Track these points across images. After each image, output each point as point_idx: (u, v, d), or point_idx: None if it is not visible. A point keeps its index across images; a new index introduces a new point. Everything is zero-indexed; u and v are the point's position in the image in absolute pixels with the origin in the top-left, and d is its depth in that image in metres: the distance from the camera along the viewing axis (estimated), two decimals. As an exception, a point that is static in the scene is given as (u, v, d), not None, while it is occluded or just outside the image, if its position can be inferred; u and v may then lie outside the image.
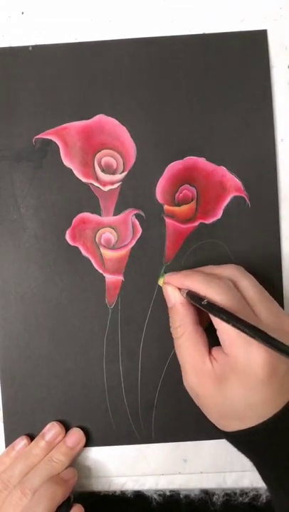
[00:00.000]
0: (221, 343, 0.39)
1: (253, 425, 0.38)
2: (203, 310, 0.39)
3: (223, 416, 0.40)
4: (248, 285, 0.41)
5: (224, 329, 0.38)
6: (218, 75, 0.47)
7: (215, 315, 0.38)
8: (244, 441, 0.40)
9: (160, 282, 0.45)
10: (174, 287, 0.42)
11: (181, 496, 0.49)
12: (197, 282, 0.40)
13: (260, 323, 0.39)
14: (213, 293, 0.39)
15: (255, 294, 0.41)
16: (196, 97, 0.47)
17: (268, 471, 0.41)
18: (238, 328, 0.36)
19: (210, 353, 0.40)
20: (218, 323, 0.39)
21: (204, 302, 0.38)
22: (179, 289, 0.42)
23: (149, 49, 0.47)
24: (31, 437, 0.47)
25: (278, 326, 0.40)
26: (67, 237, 0.47)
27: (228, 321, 0.36)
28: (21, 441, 0.47)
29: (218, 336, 0.39)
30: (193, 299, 0.40)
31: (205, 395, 0.40)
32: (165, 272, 0.47)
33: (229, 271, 0.42)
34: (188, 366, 0.41)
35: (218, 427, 0.41)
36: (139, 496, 0.49)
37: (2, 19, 0.48)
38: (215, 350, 0.40)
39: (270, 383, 0.37)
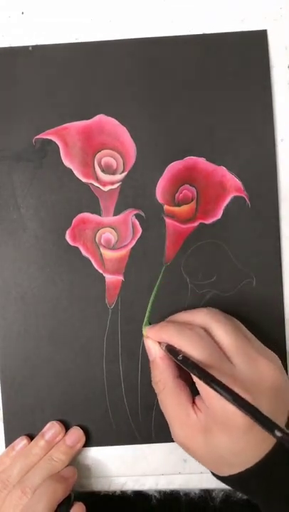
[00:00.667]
0: (200, 394, 0.40)
1: (241, 471, 0.39)
2: None
3: (213, 464, 0.41)
4: (222, 332, 0.41)
5: (200, 382, 0.38)
6: (218, 75, 0.47)
7: (190, 371, 0.38)
8: (237, 484, 0.41)
9: (144, 333, 0.45)
10: (154, 341, 0.43)
11: (181, 494, 0.49)
12: (170, 335, 0.41)
13: (235, 372, 0.39)
14: (185, 346, 0.39)
15: (230, 341, 0.40)
16: (196, 97, 0.47)
17: (266, 510, 0.41)
18: (210, 387, 0.36)
19: (194, 402, 0.40)
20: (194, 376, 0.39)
21: (179, 357, 0.39)
22: (160, 342, 0.42)
23: (149, 49, 0.47)
24: (31, 438, 0.47)
25: (255, 371, 0.39)
26: (67, 237, 0.47)
27: (200, 378, 0.37)
28: (21, 442, 0.47)
29: (197, 387, 0.40)
30: (171, 352, 0.40)
31: (193, 447, 0.40)
32: (150, 323, 0.47)
33: (200, 318, 0.42)
34: (173, 420, 0.41)
35: (213, 471, 0.42)
36: (139, 495, 0.49)
37: (2, 19, 0.48)
38: (198, 400, 0.40)
39: (251, 431, 0.38)
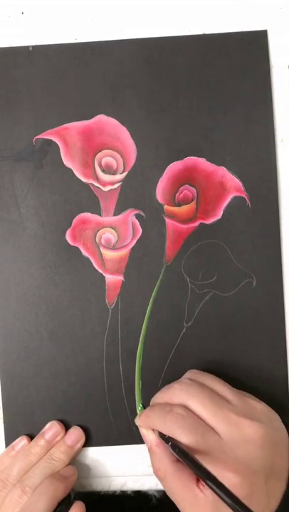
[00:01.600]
0: None
1: None
2: None
3: None
4: (198, 406, 0.40)
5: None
6: (218, 75, 0.47)
7: (181, 459, 0.38)
8: None
9: (136, 422, 0.45)
10: (147, 430, 0.43)
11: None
12: (156, 424, 0.41)
13: (222, 443, 0.39)
14: (173, 431, 0.39)
15: (207, 412, 0.40)
16: (196, 98, 0.47)
17: None
18: (202, 479, 0.36)
19: (198, 480, 0.40)
20: None
21: (168, 445, 0.39)
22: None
23: (149, 49, 0.47)
24: (31, 438, 0.47)
25: (240, 436, 0.39)
26: (68, 237, 0.47)
27: (190, 467, 0.37)
28: (21, 441, 0.47)
29: None
30: (164, 438, 0.40)
31: None
32: (143, 404, 0.47)
33: (177, 396, 0.42)
34: (182, 504, 0.40)
35: None
36: (139, 495, 0.49)
37: (2, 19, 0.48)
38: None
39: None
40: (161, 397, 0.43)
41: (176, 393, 0.42)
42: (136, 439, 0.47)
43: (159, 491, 0.48)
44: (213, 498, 0.38)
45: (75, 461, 0.48)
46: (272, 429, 0.40)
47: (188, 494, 0.39)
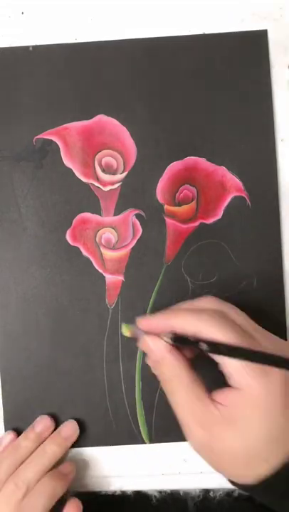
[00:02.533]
0: (229, 378, 0.35)
1: (279, 463, 0.34)
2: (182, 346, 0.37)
3: (245, 463, 0.35)
4: (236, 312, 0.38)
5: (231, 364, 0.35)
6: (218, 75, 0.47)
7: (220, 354, 0.35)
8: (272, 489, 0.35)
9: (125, 332, 0.40)
10: (153, 337, 0.38)
11: (181, 494, 0.48)
12: (185, 320, 0.36)
13: (262, 348, 0.36)
14: (208, 329, 0.35)
15: (249, 323, 0.38)
16: (196, 97, 0.47)
17: None
18: (254, 361, 0.33)
19: (211, 398, 0.36)
20: (221, 361, 0.35)
21: (203, 345, 0.35)
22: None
23: (149, 49, 0.47)
24: (18, 433, 0.47)
25: (276, 348, 0.36)
26: (68, 237, 0.47)
27: (240, 358, 0.34)
28: (7, 436, 0.46)
29: (223, 370, 0.36)
30: (184, 342, 0.36)
31: (220, 446, 0.35)
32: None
33: (210, 303, 0.38)
34: (192, 422, 0.36)
35: (241, 481, 0.36)
36: (139, 495, 0.49)
37: (2, 19, 0.48)
38: (217, 394, 0.36)
39: None
40: (189, 304, 0.39)
41: (209, 301, 0.39)
42: (136, 439, 0.47)
43: (159, 491, 0.48)
44: (233, 414, 0.35)
45: (75, 461, 0.48)
46: None
47: (200, 409, 0.35)
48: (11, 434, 0.46)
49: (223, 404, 0.35)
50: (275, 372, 0.34)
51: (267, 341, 0.37)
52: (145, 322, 0.38)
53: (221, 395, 0.36)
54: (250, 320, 0.38)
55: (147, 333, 0.38)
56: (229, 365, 0.35)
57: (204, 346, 0.35)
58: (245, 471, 0.35)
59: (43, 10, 0.48)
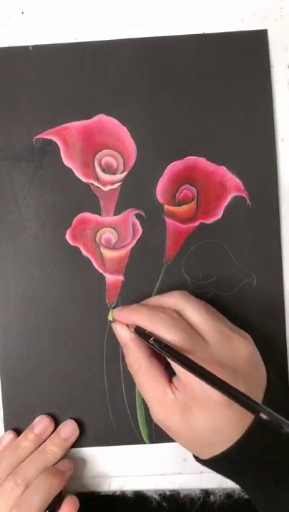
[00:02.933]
0: (176, 374, 0.40)
1: (223, 450, 0.39)
2: None
3: (195, 445, 0.41)
4: (193, 311, 0.41)
5: (174, 363, 0.38)
6: (218, 74, 0.47)
7: (163, 353, 0.38)
8: (221, 466, 0.41)
9: (110, 317, 0.45)
10: (122, 325, 0.43)
11: (181, 494, 0.48)
12: (142, 318, 0.41)
13: (209, 350, 0.39)
14: (158, 329, 0.39)
15: (201, 318, 0.40)
16: (197, 97, 0.47)
17: (253, 493, 0.41)
18: (185, 368, 0.36)
19: (171, 382, 0.40)
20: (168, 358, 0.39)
21: (151, 340, 0.39)
22: (127, 325, 0.42)
23: (149, 49, 0.47)
24: (19, 433, 0.47)
25: (229, 348, 0.40)
26: (68, 237, 0.47)
27: (174, 360, 0.37)
28: (7, 436, 0.47)
29: (172, 367, 0.40)
30: (141, 335, 0.40)
31: (173, 427, 0.40)
32: (113, 308, 0.46)
33: (173, 300, 0.42)
34: (152, 400, 0.41)
35: (196, 455, 0.42)
36: (139, 496, 0.49)
37: (2, 19, 0.48)
38: (175, 380, 0.40)
39: (230, 407, 0.37)
40: (154, 300, 0.43)
41: (172, 296, 0.42)
42: (136, 439, 0.47)
43: (159, 492, 0.48)
44: (184, 400, 0.39)
45: (75, 460, 0.48)
46: (257, 354, 0.41)
47: (159, 391, 0.40)
48: (11, 434, 0.47)
49: (178, 390, 0.39)
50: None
51: (216, 336, 0.40)
52: (117, 312, 0.43)
53: (177, 381, 0.40)
54: (212, 318, 0.41)
55: (118, 321, 0.43)
56: (173, 364, 0.39)
57: (152, 343, 0.38)
58: (195, 451, 0.41)
59: (43, 10, 0.48)
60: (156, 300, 0.43)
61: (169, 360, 0.39)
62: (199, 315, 0.41)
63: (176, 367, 0.39)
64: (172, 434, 0.41)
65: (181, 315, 0.41)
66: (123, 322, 0.43)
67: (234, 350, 0.40)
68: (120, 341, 0.43)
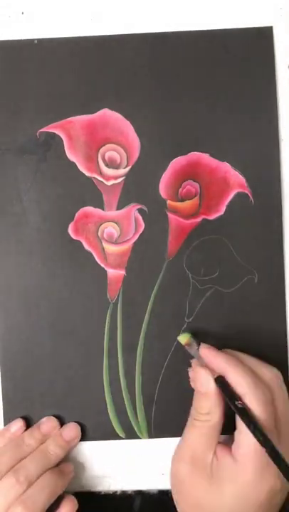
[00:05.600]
0: (235, 446, 0.39)
1: None
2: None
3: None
4: (282, 400, 0.41)
5: (246, 437, 0.38)
6: (222, 70, 0.47)
7: (245, 422, 0.38)
8: None
9: (182, 339, 0.45)
10: (207, 372, 0.41)
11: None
12: (241, 378, 0.40)
13: (280, 438, 0.39)
14: (254, 400, 0.39)
15: (285, 411, 0.40)
16: (201, 93, 0.47)
17: None
18: (265, 450, 0.36)
19: (215, 451, 0.40)
20: (241, 426, 0.38)
21: (239, 404, 0.38)
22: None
23: (154, 44, 0.47)
24: (28, 423, 0.47)
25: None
26: (70, 231, 0.47)
27: (257, 437, 0.37)
28: (17, 424, 0.46)
29: (236, 436, 0.39)
30: (225, 389, 0.40)
31: (191, 487, 0.40)
32: (191, 334, 0.46)
33: (270, 376, 0.41)
34: (188, 452, 0.40)
35: None
36: (140, 496, 0.49)
37: (2, 19, 0.48)
38: (220, 450, 0.40)
39: (264, 508, 0.38)
40: (254, 363, 0.42)
41: (270, 373, 0.41)
42: (135, 434, 0.47)
43: (160, 491, 0.48)
44: (219, 473, 0.39)
45: (74, 459, 0.47)
46: None
47: (203, 451, 0.40)
48: (20, 422, 0.46)
49: (218, 460, 0.39)
50: (272, 475, 0.37)
51: (285, 448, 0.39)
52: (206, 351, 0.43)
53: (222, 451, 0.40)
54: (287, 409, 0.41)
55: (201, 360, 0.43)
56: (243, 436, 0.38)
57: (238, 407, 0.38)
58: None
59: (43, 10, 0.48)
60: (254, 364, 0.42)
61: (241, 427, 0.38)
62: (285, 407, 0.40)
63: (243, 441, 0.38)
64: (181, 492, 0.41)
65: (272, 398, 0.40)
66: (210, 364, 0.42)
67: None
68: (200, 388, 0.42)
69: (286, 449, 0.39)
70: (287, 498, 0.41)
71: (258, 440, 0.37)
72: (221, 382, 0.40)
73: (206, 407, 0.41)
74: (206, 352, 0.43)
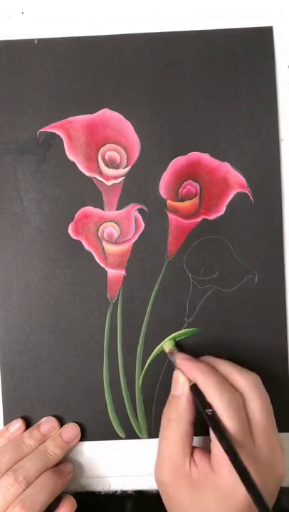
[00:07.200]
0: (212, 455, 0.39)
1: None
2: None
3: None
4: (257, 409, 0.40)
5: (219, 446, 0.38)
6: (222, 70, 0.47)
7: (214, 432, 0.38)
8: None
9: (166, 346, 0.46)
10: (185, 378, 0.42)
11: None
12: (210, 386, 0.40)
13: (254, 451, 0.39)
14: (221, 408, 0.39)
15: (261, 420, 0.40)
16: (201, 93, 0.47)
17: None
18: (232, 462, 0.36)
19: (191, 454, 0.40)
20: (214, 436, 0.38)
21: (208, 412, 0.39)
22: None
23: (154, 44, 0.47)
24: (27, 423, 0.47)
25: (271, 459, 0.39)
26: (70, 231, 0.47)
27: (225, 448, 0.37)
28: (16, 423, 0.46)
29: (211, 446, 0.39)
30: (198, 396, 0.40)
31: (176, 497, 0.40)
32: (175, 341, 0.47)
33: (244, 383, 0.41)
34: (167, 461, 0.40)
35: None
36: (140, 496, 0.48)
37: (2, 19, 0.48)
38: (197, 455, 0.40)
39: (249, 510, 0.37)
40: (228, 368, 0.42)
41: (245, 379, 0.41)
42: (135, 433, 0.47)
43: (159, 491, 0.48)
44: (198, 478, 0.39)
45: (74, 459, 0.47)
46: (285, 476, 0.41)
47: (180, 459, 0.40)
48: (20, 422, 0.46)
49: (196, 467, 0.39)
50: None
51: (264, 443, 0.39)
52: (182, 361, 0.43)
53: (199, 457, 0.40)
54: (269, 422, 0.41)
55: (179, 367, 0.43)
56: (216, 446, 0.38)
57: (209, 414, 0.39)
58: None
59: (43, 10, 0.48)
60: (228, 369, 0.42)
61: (213, 439, 0.38)
62: (261, 416, 0.40)
63: (216, 450, 0.38)
64: (169, 502, 0.41)
65: (245, 404, 0.40)
66: (184, 373, 0.42)
67: (274, 464, 0.39)
68: (174, 391, 0.42)
69: (264, 451, 0.39)
70: (284, 497, 0.41)
71: (223, 448, 0.37)
72: (196, 389, 0.41)
73: (175, 411, 0.41)
74: (181, 361, 0.43)
